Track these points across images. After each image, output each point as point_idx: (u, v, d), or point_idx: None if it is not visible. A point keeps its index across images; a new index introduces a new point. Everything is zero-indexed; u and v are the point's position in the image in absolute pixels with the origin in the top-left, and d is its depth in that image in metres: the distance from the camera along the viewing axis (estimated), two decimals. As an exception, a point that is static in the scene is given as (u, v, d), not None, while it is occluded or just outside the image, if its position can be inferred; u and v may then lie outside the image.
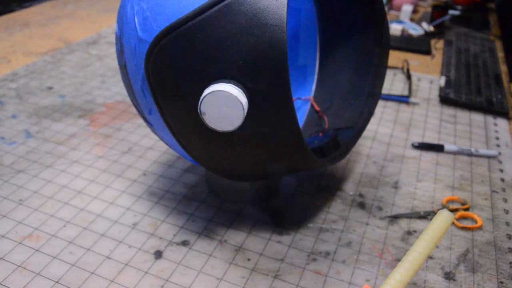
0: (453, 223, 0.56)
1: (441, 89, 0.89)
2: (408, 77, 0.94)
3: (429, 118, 0.81)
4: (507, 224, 0.57)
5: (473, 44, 1.14)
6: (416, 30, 1.19)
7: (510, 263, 0.51)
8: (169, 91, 0.42)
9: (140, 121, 0.75)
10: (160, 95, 0.42)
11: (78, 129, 0.72)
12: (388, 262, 0.50)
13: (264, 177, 0.55)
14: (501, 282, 0.48)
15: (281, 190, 0.60)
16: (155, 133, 0.51)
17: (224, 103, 0.38)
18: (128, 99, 0.82)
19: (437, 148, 0.70)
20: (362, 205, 0.59)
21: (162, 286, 0.47)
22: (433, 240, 0.41)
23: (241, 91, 0.38)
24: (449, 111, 0.83)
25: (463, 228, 0.55)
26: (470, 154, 0.70)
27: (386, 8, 1.35)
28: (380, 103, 0.84)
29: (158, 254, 0.50)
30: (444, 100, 0.86)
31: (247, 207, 0.57)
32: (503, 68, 1.02)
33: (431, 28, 1.21)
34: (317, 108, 0.64)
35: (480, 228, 0.55)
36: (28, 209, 0.56)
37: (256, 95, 0.39)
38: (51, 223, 0.54)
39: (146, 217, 0.55)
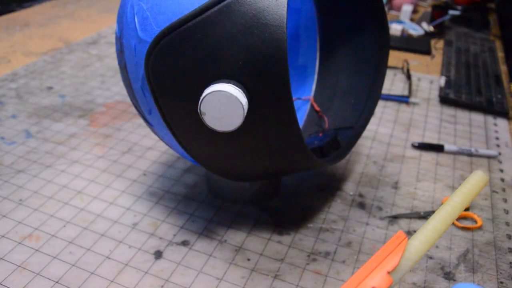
0: (453, 223, 0.56)
1: (441, 89, 0.89)
2: (408, 77, 0.94)
3: (429, 118, 0.81)
4: (507, 224, 0.57)
5: (473, 44, 1.14)
6: (416, 30, 1.19)
7: (510, 263, 0.51)
8: (169, 91, 0.42)
9: (140, 121, 0.75)
10: (160, 95, 0.42)
11: (78, 129, 0.72)
12: (388, 262, 0.50)
13: (264, 177, 0.55)
14: (501, 282, 0.48)
15: (281, 190, 0.60)
16: (155, 133, 0.51)
17: (224, 103, 0.38)
18: (128, 99, 0.82)
19: (437, 148, 0.70)
20: (362, 205, 0.59)
21: (162, 286, 0.47)
22: (466, 199, 0.39)
23: (241, 91, 0.38)
24: (449, 111, 0.83)
25: (463, 228, 0.55)
26: (470, 154, 0.70)
27: (386, 8, 1.35)
28: (380, 103, 0.85)
29: (158, 254, 0.50)
30: (444, 100, 0.86)
31: (247, 207, 0.57)
32: (503, 68, 1.02)
33: (431, 28, 1.21)
34: (317, 108, 0.64)
35: (480, 228, 0.55)
36: (28, 209, 0.56)
37: (256, 95, 0.39)
38: (51, 223, 0.54)
39: (146, 217, 0.55)
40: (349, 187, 0.62)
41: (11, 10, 1.26)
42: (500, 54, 1.09)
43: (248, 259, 0.50)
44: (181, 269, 0.49)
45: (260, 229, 0.54)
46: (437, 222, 0.37)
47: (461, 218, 0.57)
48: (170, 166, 0.64)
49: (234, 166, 0.48)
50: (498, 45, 1.15)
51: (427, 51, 1.09)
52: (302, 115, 0.65)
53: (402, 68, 0.98)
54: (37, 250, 0.50)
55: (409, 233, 0.54)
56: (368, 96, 0.59)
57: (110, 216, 0.55)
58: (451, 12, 1.31)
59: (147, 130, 0.73)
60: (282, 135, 0.42)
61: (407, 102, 0.85)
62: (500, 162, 0.69)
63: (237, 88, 0.38)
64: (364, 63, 0.60)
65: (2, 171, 0.62)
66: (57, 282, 0.46)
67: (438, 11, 1.29)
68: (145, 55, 0.42)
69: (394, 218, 0.56)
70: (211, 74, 0.39)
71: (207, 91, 0.38)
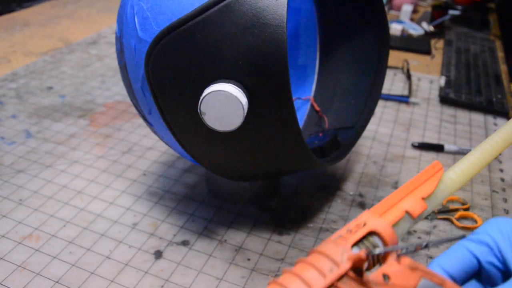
0: (453, 223, 0.56)
1: (441, 89, 0.89)
2: (408, 77, 0.94)
3: (429, 118, 0.81)
4: (507, 224, 0.56)
5: (473, 44, 1.14)
6: (416, 30, 1.19)
7: (510, 263, 0.51)
8: (169, 91, 0.42)
9: (140, 121, 0.75)
10: (160, 95, 0.42)
11: (78, 129, 0.72)
12: (388, 262, 0.50)
13: (264, 177, 0.55)
14: (501, 282, 0.48)
15: (281, 190, 0.60)
16: (155, 133, 0.51)
17: (224, 103, 0.38)
18: (128, 99, 0.82)
19: (437, 148, 0.70)
20: (362, 205, 0.59)
21: (162, 286, 0.47)
22: (507, 139, 0.36)
23: (241, 91, 0.38)
24: (449, 111, 0.83)
25: (463, 228, 0.55)
26: (470, 154, 0.70)
27: (386, 8, 1.35)
28: (380, 103, 0.84)
29: (158, 254, 0.50)
30: (444, 100, 0.86)
31: (247, 207, 0.57)
32: (503, 68, 1.02)
33: (431, 28, 1.21)
34: (317, 108, 0.64)
35: (480, 228, 0.55)
36: (28, 209, 0.56)
37: (256, 95, 0.39)
38: (51, 223, 0.54)
39: (146, 217, 0.55)
40: (349, 187, 0.62)
41: (11, 10, 1.26)
42: (500, 54, 1.09)
43: (248, 259, 0.50)
44: (181, 269, 0.49)
45: (260, 229, 0.54)
46: (475, 158, 0.35)
47: (461, 218, 0.57)
48: (170, 166, 0.64)
49: (234, 166, 0.48)
50: (498, 45, 1.15)
51: (427, 51, 1.09)
52: (302, 115, 0.65)
53: (402, 68, 0.98)
54: (37, 250, 0.50)
55: (410, 233, 0.54)
56: (368, 96, 0.59)
57: (110, 216, 0.55)
58: (451, 12, 1.31)
59: (147, 130, 0.73)
60: (282, 135, 0.42)
61: (407, 102, 0.85)
62: (500, 162, 0.69)
63: (237, 88, 0.38)
64: (364, 63, 0.60)
65: (2, 171, 0.62)
66: (57, 282, 0.46)
67: (438, 11, 1.29)
68: (145, 55, 0.42)
69: (394, 218, 0.56)
70: (211, 74, 0.39)
71: (207, 91, 0.38)
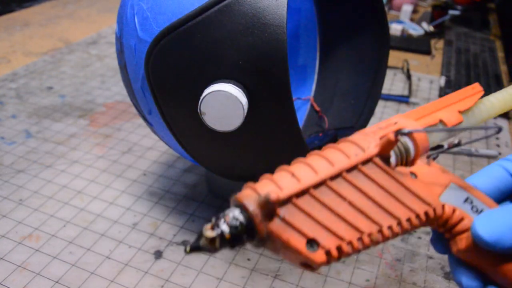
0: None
1: (441, 89, 0.89)
2: (408, 77, 0.94)
3: (429, 118, 0.80)
4: (507, 224, 0.56)
5: (473, 44, 1.14)
6: (416, 30, 1.19)
7: (510, 263, 0.51)
8: (169, 91, 0.42)
9: (140, 121, 0.75)
10: (160, 95, 0.42)
11: (78, 129, 0.72)
12: (388, 262, 0.50)
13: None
14: (501, 282, 0.48)
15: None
16: (155, 133, 0.51)
17: (224, 103, 0.38)
18: (128, 99, 0.82)
19: (437, 148, 0.70)
20: (362, 205, 0.58)
21: (162, 286, 0.47)
22: None
23: (241, 91, 0.38)
24: (449, 111, 0.83)
25: (463, 228, 0.55)
26: (470, 154, 0.70)
27: (386, 8, 1.35)
28: (380, 103, 0.84)
29: (158, 254, 0.50)
30: (444, 100, 0.85)
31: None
32: (503, 68, 1.02)
33: (431, 28, 1.21)
34: (317, 108, 0.64)
35: (480, 228, 0.55)
36: (28, 209, 0.56)
37: (256, 95, 0.39)
38: (51, 223, 0.54)
39: (146, 217, 0.55)
40: (349, 187, 0.62)
41: (11, 10, 1.26)
42: (500, 54, 1.09)
43: (248, 259, 0.50)
44: (181, 269, 0.49)
45: (260, 229, 0.54)
46: None
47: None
48: (170, 166, 0.64)
49: (234, 166, 0.48)
50: (498, 45, 1.15)
51: (427, 51, 1.09)
52: (302, 115, 0.65)
53: (402, 68, 0.98)
54: (37, 250, 0.50)
55: (409, 233, 0.54)
56: (368, 96, 0.59)
57: (110, 216, 0.55)
58: (451, 12, 1.31)
59: (147, 130, 0.73)
60: (282, 135, 0.42)
61: (407, 102, 0.85)
62: (500, 162, 0.69)
63: (237, 88, 0.38)
64: (364, 63, 0.60)
65: (2, 171, 0.62)
66: (57, 282, 0.46)
67: (438, 11, 1.29)
68: (145, 55, 0.42)
69: (394, 218, 0.56)
70: (211, 74, 0.39)
71: (207, 91, 0.38)
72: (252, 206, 0.21)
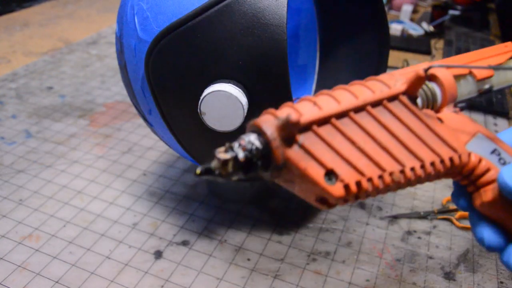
0: (453, 223, 0.56)
1: (441, 89, 0.89)
2: (408, 77, 0.93)
3: (429, 118, 0.81)
4: (507, 224, 0.57)
5: (473, 44, 1.14)
6: (416, 30, 1.19)
7: (510, 263, 0.51)
8: (169, 91, 0.42)
9: (140, 121, 0.75)
10: (160, 95, 0.42)
11: (78, 129, 0.72)
12: (388, 262, 0.50)
13: (264, 177, 0.55)
14: (501, 282, 0.48)
15: (281, 190, 0.60)
16: (155, 133, 0.51)
17: (224, 103, 0.38)
18: (128, 99, 0.82)
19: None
20: (362, 205, 0.59)
21: (162, 286, 0.47)
22: None
23: (241, 91, 0.38)
24: (449, 111, 0.83)
25: (463, 228, 0.55)
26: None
27: (386, 8, 1.35)
28: (380, 103, 0.84)
29: (158, 254, 0.50)
30: (444, 100, 0.85)
31: (247, 207, 0.57)
32: (503, 68, 1.01)
33: (431, 28, 1.21)
34: (317, 108, 0.64)
35: (480, 228, 0.55)
36: (28, 209, 0.56)
37: (256, 95, 0.39)
38: (51, 223, 0.54)
39: (146, 217, 0.55)
40: (349, 187, 0.62)
41: (11, 10, 1.26)
42: (500, 54, 1.09)
43: (248, 259, 0.50)
44: (181, 269, 0.49)
45: (260, 229, 0.54)
46: None
47: (461, 218, 0.57)
48: (170, 166, 0.64)
49: (234, 166, 0.48)
50: (498, 45, 1.15)
51: (427, 51, 1.09)
52: (302, 115, 0.65)
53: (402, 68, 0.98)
54: (37, 250, 0.50)
55: (410, 233, 0.54)
56: (368, 96, 0.59)
57: (110, 216, 0.55)
58: (451, 12, 1.31)
59: (147, 130, 0.73)
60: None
61: (407, 102, 0.85)
62: (500, 162, 0.69)
63: (237, 88, 0.38)
64: (364, 63, 0.60)
65: (2, 171, 0.62)
66: (57, 282, 0.46)
67: (438, 11, 1.29)
68: (145, 55, 0.42)
69: (394, 218, 0.56)
70: (211, 74, 0.39)
71: (207, 91, 0.38)
72: (270, 129, 0.20)
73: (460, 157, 0.24)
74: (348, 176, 0.21)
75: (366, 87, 0.24)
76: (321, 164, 0.21)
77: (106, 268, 0.48)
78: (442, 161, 0.23)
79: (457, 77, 0.27)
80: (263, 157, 0.20)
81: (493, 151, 0.25)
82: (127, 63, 0.45)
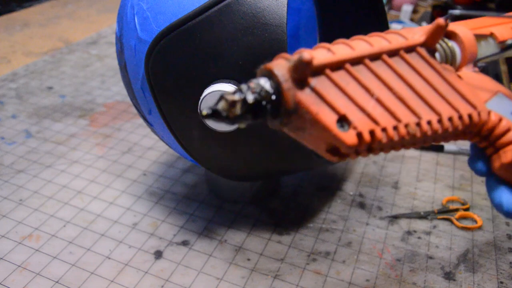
0: (453, 223, 0.56)
1: (441, 89, 0.89)
2: (408, 77, 0.93)
3: (429, 118, 0.80)
4: (507, 224, 0.57)
5: (473, 44, 1.13)
6: (416, 30, 1.19)
7: (510, 263, 0.51)
8: (169, 91, 0.42)
9: (140, 121, 0.75)
10: (160, 95, 0.42)
11: (78, 129, 0.72)
12: (388, 262, 0.50)
13: (264, 177, 0.55)
14: (501, 282, 0.48)
15: (281, 190, 0.60)
16: (155, 133, 0.51)
17: (224, 103, 0.38)
18: (128, 99, 0.82)
19: (437, 148, 0.70)
20: (362, 205, 0.59)
21: (162, 286, 0.47)
22: None
23: (241, 91, 0.38)
24: (449, 111, 0.83)
25: (463, 228, 0.55)
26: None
27: (386, 8, 1.35)
28: (380, 103, 0.84)
29: (158, 254, 0.50)
30: (444, 100, 0.85)
31: (247, 207, 0.57)
32: (503, 67, 1.01)
33: (431, 28, 1.21)
34: (317, 108, 0.64)
35: (480, 228, 0.55)
36: (28, 209, 0.56)
37: (256, 95, 0.39)
38: (51, 223, 0.54)
39: (146, 217, 0.55)
40: (349, 187, 0.62)
41: (11, 10, 1.26)
42: (500, 54, 1.09)
43: (248, 259, 0.50)
44: (181, 269, 0.49)
45: (260, 229, 0.54)
46: None
47: (461, 218, 0.57)
48: (170, 166, 0.64)
49: (234, 166, 0.48)
50: (498, 45, 1.15)
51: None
52: (302, 115, 0.65)
53: (402, 68, 0.98)
54: (37, 250, 0.50)
55: (410, 233, 0.54)
56: (368, 96, 0.59)
57: (110, 216, 0.55)
58: (451, 12, 1.31)
59: (147, 130, 0.73)
60: (282, 135, 0.42)
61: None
62: (500, 162, 0.69)
63: (237, 88, 0.38)
64: (364, 63, 0.60)
65: (2, 171, 0.62)
66: (57, 282, 0.46)
67: (438, 11, 1.29)
68: (145, 55, 0.42)
69: (394, 218, 0.56)
70: (211, 74, 0.39)
71: (207, 91, 0.38)
72: (281, 71, 0.19)
73: (479, 114, 0.23)
74: (362, 124, 0.20)
75: (383, 37, 0.23)
76: (333, 109, 0.20)
77: (106, 268, 0.48)
78: (460, 117, 0.22)
79: (478, 38, 0.26)
80: (273, 101, 0.19)
81: None
82: (127, 63, 0.45)
